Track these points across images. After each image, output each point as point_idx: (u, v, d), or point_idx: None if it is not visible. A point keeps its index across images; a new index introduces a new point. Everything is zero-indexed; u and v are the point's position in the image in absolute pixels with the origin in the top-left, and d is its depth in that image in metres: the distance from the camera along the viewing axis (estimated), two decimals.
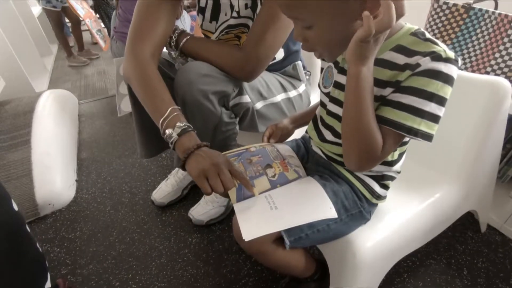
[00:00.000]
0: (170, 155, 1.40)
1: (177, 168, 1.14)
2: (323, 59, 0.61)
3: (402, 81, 0.44)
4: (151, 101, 0.66)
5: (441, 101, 0.43)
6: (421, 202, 0.70)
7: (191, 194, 1.15)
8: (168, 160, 1.37)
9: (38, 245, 0.66)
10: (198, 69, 0.70)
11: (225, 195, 0.65)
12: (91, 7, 2.49)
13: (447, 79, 0.42)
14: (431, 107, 0.42)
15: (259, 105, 0.83)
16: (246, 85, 0.79)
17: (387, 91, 0.46)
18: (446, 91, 0.42)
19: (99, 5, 2.30)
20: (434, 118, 0.43)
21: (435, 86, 0.41)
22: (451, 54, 0.42)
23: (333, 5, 0.39)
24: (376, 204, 0.62)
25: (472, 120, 0.71)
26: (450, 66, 0.41)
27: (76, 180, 1.27)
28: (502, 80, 0.66)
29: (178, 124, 0.61)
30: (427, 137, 0.44)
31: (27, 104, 1.56)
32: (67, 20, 2.93)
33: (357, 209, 0.58)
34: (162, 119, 0.62)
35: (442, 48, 0.42)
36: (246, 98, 0.78)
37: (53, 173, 1.17)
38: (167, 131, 0.61)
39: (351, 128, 0.46)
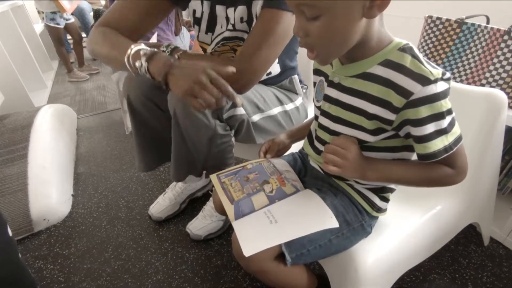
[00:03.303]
0: (168, 169, 1.39)
1: (175, 182, 1.13)
2: (315, 73, 0.61)
3: (401, 108, 0.44)
4: (114, 50, 0.68)
5: (449, 111, 0.45)
6: (422, 215, 0.69)
7: (189, 208, 1.14)
8: (166, 174, 1.36)
9: (30, 271, 0.64)
10: None
11: (223, 212, 0.64)
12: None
13: (444, 95, 0.43)
14: (446, 120, 0.45)
15: (256, 117, 0.83)
16: (242, 102, 0.78)
17: (388, 114, 0.46)
18: (448, 102, 0.44)
19: (98, 18, 2.34)
20: (453, 124, 0.46)
21: (439, 106, 0.43)
22: (437, 73, 0.43)
23: None
24: (377, 217, 0.61)
25: (470, 131, 0.71)
26: (440, 83, 0.43)
27: (72, 195, 1.25)
28: (497, 91, 0.67)
29: (141, 52, 0.61)
30: (460, 139, 0.47)
31: (26, 119, 1.56)
32: (68, 37, 2.98)
33: (358, 222, 0.57)
34: (126, 58, 0.63)
35: (428, 69, 0.43)
36: (241, 110, 0.78)
37: (49, 187, 1.16)
38: (137, 64, 0.62)
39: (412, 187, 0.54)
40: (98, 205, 1.19)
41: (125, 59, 0.65)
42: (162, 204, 1.09)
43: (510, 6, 1.03)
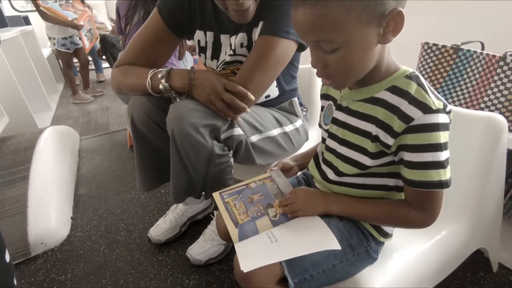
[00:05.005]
0: (168, 191, 1.37)
1: (175, 204, 1.12)
2: (323, 98, 0.63)
3: (400, 133, 0.45)
4: (137, 79, 0.78)
5: (446, 146, 0.45)
6: (428, 240, 0.68)
7: (190, 231, 1.12)
8: (167, 196, 1.35)
9: None
10: (188, 104, 0.72)
11: (226, 238, 0.63)
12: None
13: (443, 127, 0.44)
14: (443, 155, 0.45)
15: (254, 138, 0.84)
16: (238, 118, 0.79)
17: (387, 138, 0.47)
18: (446, 136, 0.45)
19: (105, 46, 2.42)
20: (448, 162, 0.46)
21: (437, 137, 0.44)
22: (439, 104, 0.44)
23: (362, 27, 0.41)
24: (383, 243, 0.60)
25: (471, 155, 0.71)
26: (441, 115, 0.44)
27: (72, 218, 1.24)
28: (497, 115, 0.68)
29: (159, 76, 0.74)
30: (450, 182, 0.46)
31: (29, 140, 1.57)
32: (75, 61, 3.07)
33: (363, 248, 0.56)
34: (147, 84, 0.75)
35: (431, 99, 0.44)
36: (238, 131, 0.79)
37: (48, 210, 1.15)
38: (160, 87, 0.73)
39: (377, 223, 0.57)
40: (97, 228, 1.18)
41: (147, 85, 0.75)
42: (162, 227, 1.07)
43: (503, 33, 1.07)
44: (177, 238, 1.08)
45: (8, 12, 3.58)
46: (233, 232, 0.57)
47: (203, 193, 0.88)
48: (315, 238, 0.53)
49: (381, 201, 0.54)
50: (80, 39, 2.77)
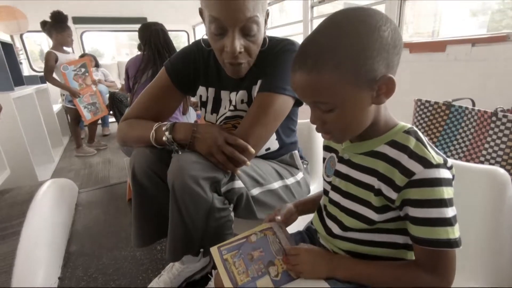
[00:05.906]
0: (165, 248, 1.31)
1: (171, 264, 1.05)
2: (325, 149, 0.64)
3: (402, 187, 0.45)
4: (143, 131, 0.81)
5: (451, 202, 0.44)
6: None
7: None
8: (163, 253, 1.28)
9: None
10: (189, 157, 0.73)
11: None
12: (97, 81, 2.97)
13: (446, 182, 0.44)
14: (449, 211, 0.44)
15: (255, 191, 0.83)
16: (238, 171, 0.80)
17: (390, 192, 0.47)
18: (450, 192, 0.44)
19: (114, 102, 2.55)
20: (456, 220, 0.44)
21: (440, 192, 0.43)
22: (439, 159, 0.44)
23: (355, 91, 0.44)
24: None
25: (478, 211, 0.69)
26: (443, 170, 0.44)
27: (59, 278, 1.15)
28: (498, 169, 0.68)
29: (163, 129, 0.76)
30: (460, 242, 0.44)
31: (27, 193, 1.55)
32: None
33: None
34: (151, 136, 0.77)
35: (431, 154, 0.44)
36: (239, 184, 0.79)
37: (35, 270, 1.07)
38: (164, 138, 0.76)
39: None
40: None
41: (151, 137, 0.78)
42: None
43: (491, 91, 1.13)
44: None
45: (26, 72, 3.86)
46: None
47: (201, 250, 0.83)
48: None
49: (390, 264, 0.51)
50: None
